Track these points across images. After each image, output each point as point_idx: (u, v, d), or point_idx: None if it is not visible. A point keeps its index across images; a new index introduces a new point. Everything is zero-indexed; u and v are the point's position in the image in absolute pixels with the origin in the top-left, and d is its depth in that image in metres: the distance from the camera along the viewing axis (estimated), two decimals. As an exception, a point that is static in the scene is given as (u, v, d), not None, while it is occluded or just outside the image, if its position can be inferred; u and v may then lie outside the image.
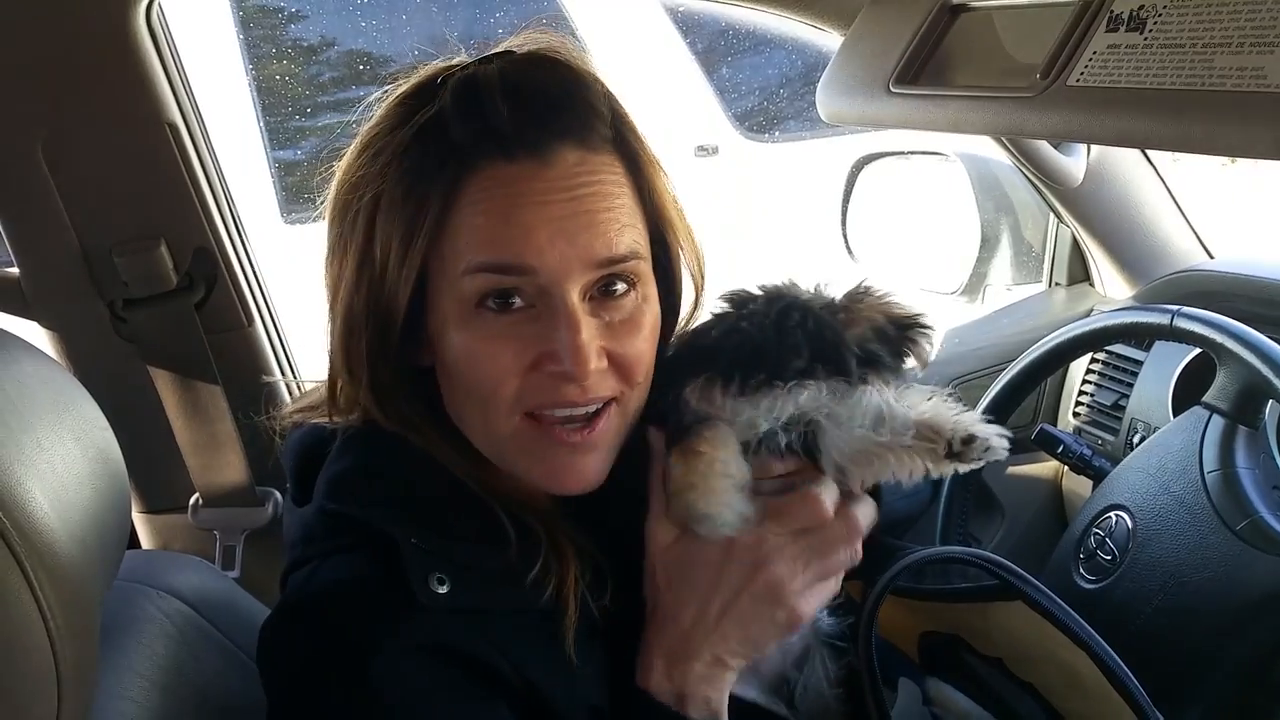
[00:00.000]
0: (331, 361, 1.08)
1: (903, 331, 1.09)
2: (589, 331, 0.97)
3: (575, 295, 0.97)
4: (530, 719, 0.97)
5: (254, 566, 1.78)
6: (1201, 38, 0.94)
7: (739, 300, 1.12)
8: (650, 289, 1.05)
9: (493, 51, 1.03)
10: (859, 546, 1.06)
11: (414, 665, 0.93)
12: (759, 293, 1.12)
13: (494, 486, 1.04)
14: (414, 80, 1.03)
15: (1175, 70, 0.95)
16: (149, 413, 1.70)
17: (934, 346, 1.11)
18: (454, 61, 1.03)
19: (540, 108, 0.97)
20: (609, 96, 1.04)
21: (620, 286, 1.01)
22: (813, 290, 1.12)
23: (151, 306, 1.64)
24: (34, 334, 1.65)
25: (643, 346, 1.03)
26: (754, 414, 1.02)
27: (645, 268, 1.04)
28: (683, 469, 1.01)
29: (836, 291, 1.12)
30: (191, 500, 1.77)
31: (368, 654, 0.92)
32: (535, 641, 0.99)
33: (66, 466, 0.87)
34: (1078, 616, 1.17)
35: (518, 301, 0.98)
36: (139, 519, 1.81)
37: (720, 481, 1.00)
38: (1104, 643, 1.15)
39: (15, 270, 1.65)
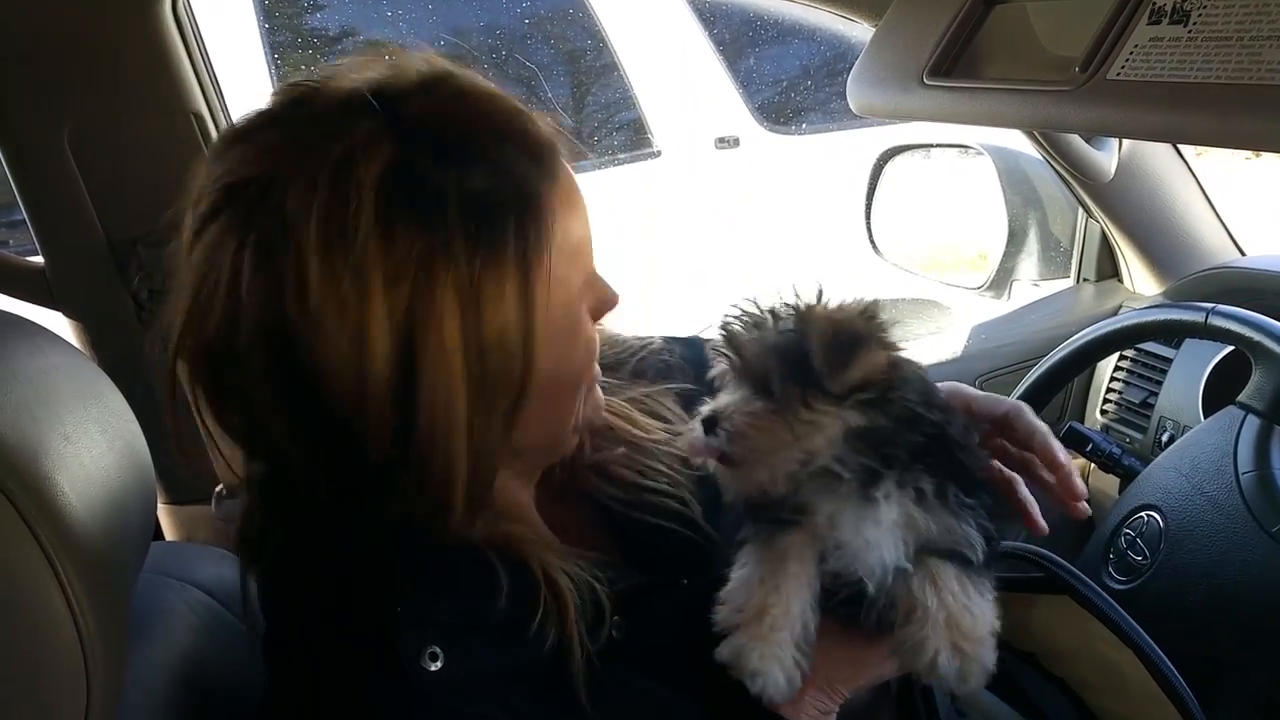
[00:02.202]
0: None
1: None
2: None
3: None
4: None
5: (277, 558, 1.77)
6: (1249, 30, 0.92)
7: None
8: None
9: (418, 82, 0.93)
10: None
11: None
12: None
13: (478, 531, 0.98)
14: (365, 200, 0.86)
15: (1221, 64, 0.93)
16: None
17: None
18: (329, 84, 0.91)
19: (501, 113, 0.94)
20: None
21: None
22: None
23: (177, 297, 1.64)
24: (58, 324, 1.65)
25: None
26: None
27: None
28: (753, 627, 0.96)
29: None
30: (215, 492, 1.77)
31: None
32: (540, 693, 0.94)
33: (93, 459, 0.86)
34: (1127, 615, 1.16)
35: None
36: (162, 511, 1.81)
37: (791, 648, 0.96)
38: (1154, 644, 1.14)
39: (40, 260, 1.65)
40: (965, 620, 0.95)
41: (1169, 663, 1.14)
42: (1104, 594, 1.18)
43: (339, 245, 0.84)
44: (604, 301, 1.04)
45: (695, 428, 0.98)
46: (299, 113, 0.90)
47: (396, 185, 0.85)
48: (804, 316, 0.96)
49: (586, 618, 0.96)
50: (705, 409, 0.98)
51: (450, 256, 0.85)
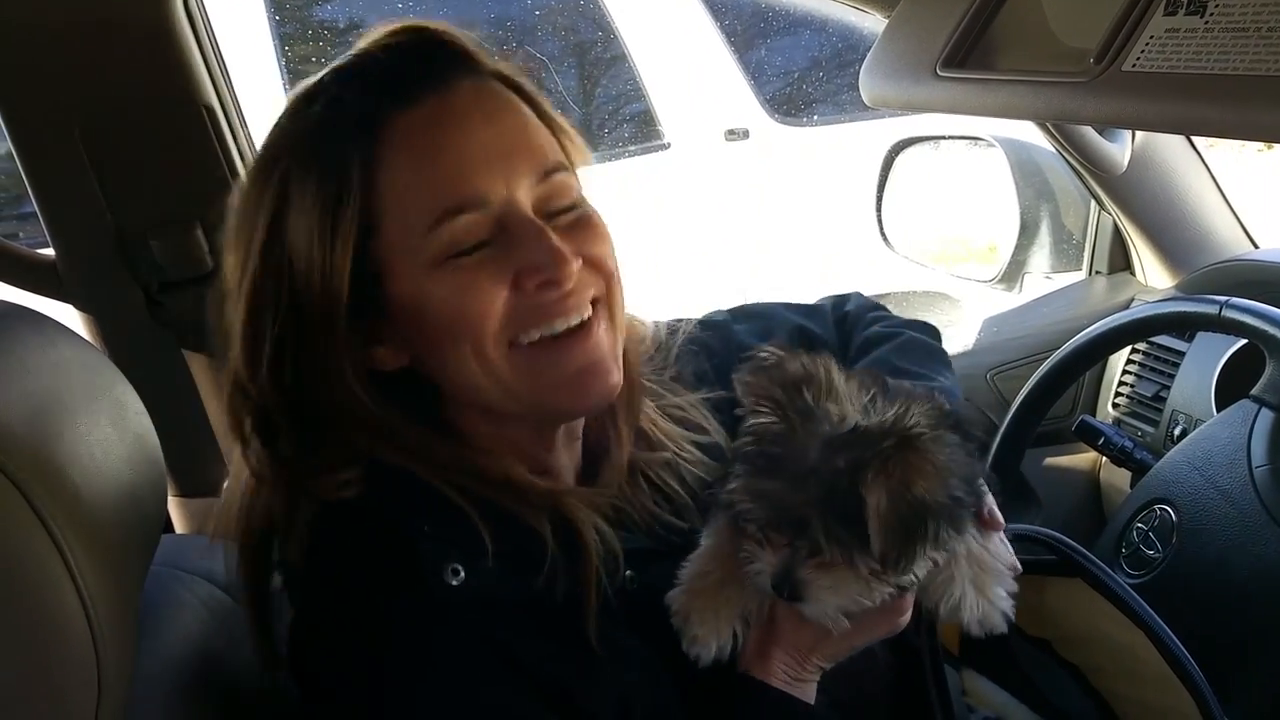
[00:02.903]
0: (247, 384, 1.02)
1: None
2: (555, 236, 0.99)
3: (529, 209, 0.99)
4: (551, 708, 0.96)
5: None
6: (1266, 21, 0.91)
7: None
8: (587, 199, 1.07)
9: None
10: None
11: (432, 645, 0.94)
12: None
13: (499, 479, 1.03)
14: (292, 98, 1.04)
15: (1239, 55, 0.92)
16: (183, 396, 1.70)
17: None
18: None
19: (420, 53, 1.02)
20: (488, 52, 1.06)
21: (564, 202, 1.03)
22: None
23: (187, 290, 1.64)
24: (68, 317, 1.65)
25: (605, 245, 1.06)
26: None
27: (576, 180, 1.06)
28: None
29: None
30: (225, 484, 1.77)
31: (386, 637, 0.94)
32: (552, 634, 0.98)
33: (104, 452, 0.86)
34: (1139, 598, 1.16)
35: (480, 245, 0.98)
36: (172, 503, 1.82)
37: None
38: (1166, 627, 1.14)
39: (50, 252, 1.65)
40: (985, 558, 1.01)
41: (1180, 645, 1.14)
42: (1115, 576, 1.18)
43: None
44: (524, 270, 0.98)
45: (766, 586, 0.98)
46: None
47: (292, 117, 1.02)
48: (858, 467, 0.91)
49: (606, 566, 1.01)
50: (768, 573, 0.97)
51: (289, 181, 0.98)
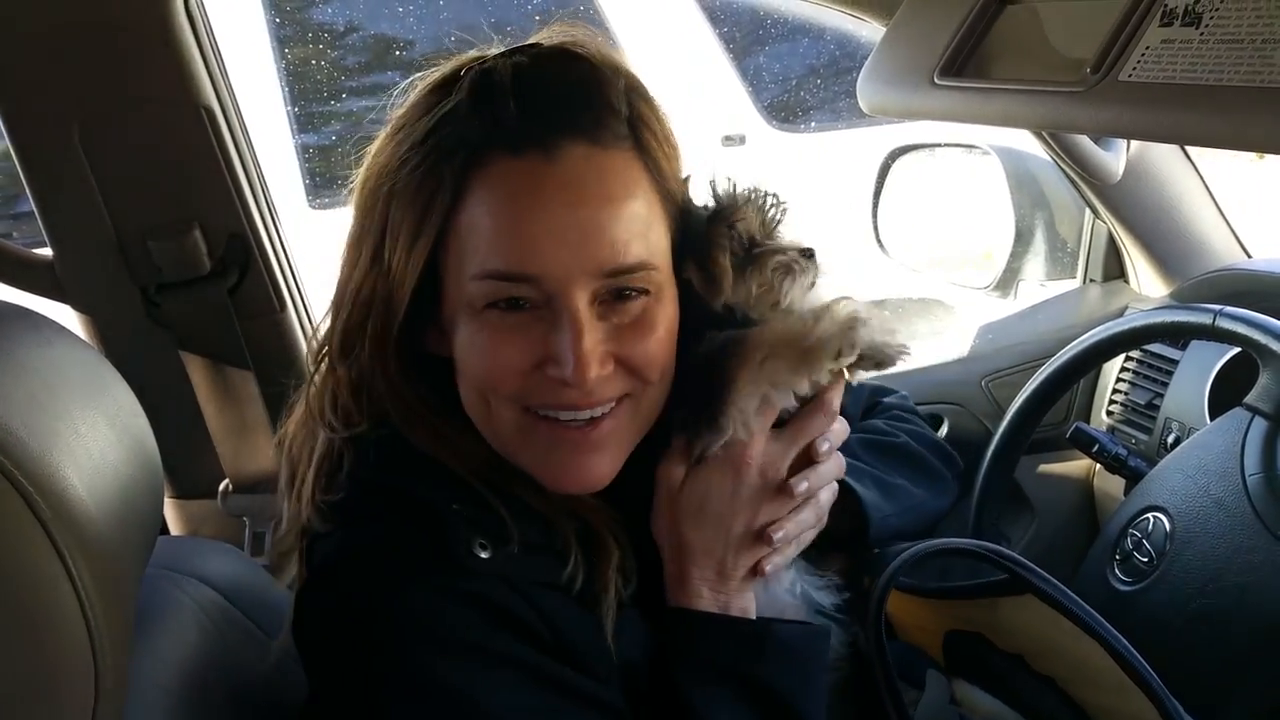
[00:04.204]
0: (329, 358, 1.07)
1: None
2: (593, 338, 0.97)
3: (581, 302, 0.97)
4: (562, 670, 0.98)
5: (283, 553, 1.78)
6: (1261, 33, 0.92)
7: None
8: (668, 291, 1.04)
9: (520, 44, 1.04)
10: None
11: (446, 606, 0.94)
12: None
13: (524, 476, 1.05)
14: (442, 70, 1.03)
15: (1233, 66, 0.93)
16: (180, 398, 1.70)
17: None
18: (486, 53, 1.03)
19: (549, 103, 0.98)
20: (632, 93, 1.03)
21: (631, 293, 1.00)
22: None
23: (185, 291, 1.64)
24: (66, 317, 1.65)
25: (655, 349, 1.02)
26: None
27: (659, 276, 1.02)
28: None
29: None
30: (221, 486, 1.78)
31: (402, 598, 0.94)
32: (569, 609, 1.00)
33: (102, 452, 0.86)
34: (1087, 606, 1.17)
35: (525, 303, 0.98)
36: (168, 505, 1.82)
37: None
38: (1115, 631, 1.15)
39: (48, 253, 1.65)
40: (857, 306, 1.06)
41: (1132, 649, 1.15)
42: (1063, 588, 1.19)
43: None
44: (548, 358, 0.98)
45: None
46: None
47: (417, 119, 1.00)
48: None
49: (623, 570, 1.03)
50: None
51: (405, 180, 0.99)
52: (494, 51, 1.03)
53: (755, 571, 1.08)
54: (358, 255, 1.04)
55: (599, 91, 1.00)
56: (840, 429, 1.13)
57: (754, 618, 1.08)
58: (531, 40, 1.05)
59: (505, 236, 0.96)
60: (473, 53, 1.04)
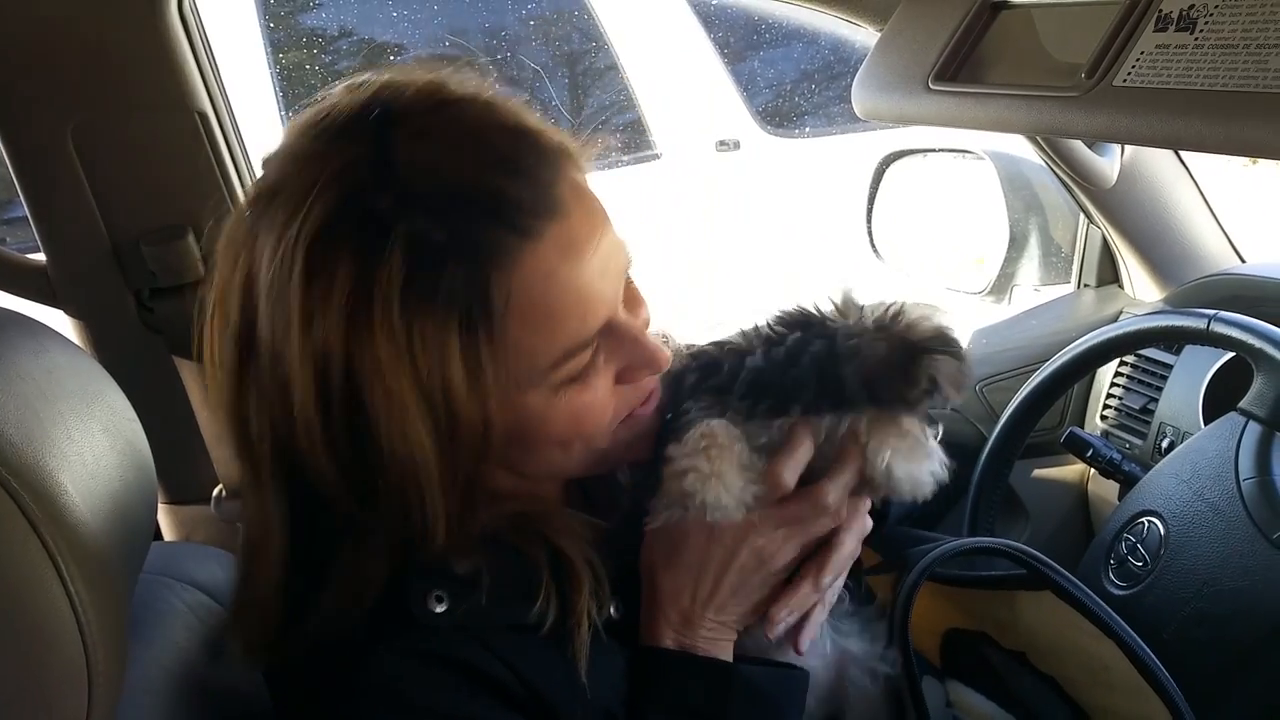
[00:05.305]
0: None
1: (912, 359, 0.98)
2: (639, 330, 0.98)
3: (623, 311, 0.97)
4: None
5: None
6: (1255, 38, 0.92)
7: (750, 335, 1.08)
8: None
9: (383, 116, 0.87)
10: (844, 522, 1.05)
11: (409, 672, 0.91)
12: (779, 321, 1.07)
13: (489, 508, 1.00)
14: (313, 223, 0.83)
15: (1228, 71, 0.93)
16: (173, 403, 1.69)
17: (955, 372, 0.99)
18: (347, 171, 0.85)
19: (524, 161, 0.88)
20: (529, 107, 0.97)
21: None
22: (842, 313, 1.05)
23: (178, 296, 1.64)
24: (59, 322, 1.64)
25: (647, 309, 1.04)
26: (758, 433, 1.02)
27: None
28: (700, 459, 0.98)
29: (870, 314, 1.03)
30: (215, 492, 1.77)
31: (362, 661, 0.90)
32: (540, 653, 0.96)
33: (95, 458, 0.86)
34: (1107, 607, 1.17)
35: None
36: (161, 510, 1.81)
37: (737, 474, 0.98)
38: (1135, 634, 1.15)
39: (41, 258, 1.64)
40: (900, 423, 1.01)
41: (1151, 653, 1.15)
42: (1083, 587, 1.19)
43: (280, 273, 0.84)
44: (625, 370, 0.98)
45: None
46: (319, 124, 0.89)
47: (341, 218, 0.83)
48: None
49: (597, 596, 0.99)
50: None
51: (383, 300, 0.82)
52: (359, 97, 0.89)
53: (722, 627, 1.04)
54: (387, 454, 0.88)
55: (536, 122, 0.94)
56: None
57: (725, 659, 1.03)
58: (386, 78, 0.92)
59: (565, 319, 0.90)
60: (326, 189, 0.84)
